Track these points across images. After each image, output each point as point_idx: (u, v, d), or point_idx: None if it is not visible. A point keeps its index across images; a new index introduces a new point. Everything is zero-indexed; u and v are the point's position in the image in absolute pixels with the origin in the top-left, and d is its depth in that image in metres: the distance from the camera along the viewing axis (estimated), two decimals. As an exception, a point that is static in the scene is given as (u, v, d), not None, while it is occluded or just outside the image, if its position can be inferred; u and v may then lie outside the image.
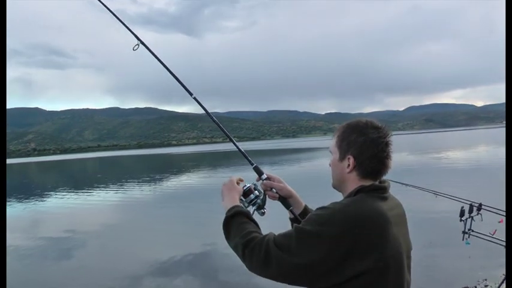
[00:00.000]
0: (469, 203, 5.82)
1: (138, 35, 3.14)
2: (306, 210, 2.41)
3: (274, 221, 2.05)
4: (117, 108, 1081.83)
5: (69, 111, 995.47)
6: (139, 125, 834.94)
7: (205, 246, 12.51)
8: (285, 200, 2.42)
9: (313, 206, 2.28)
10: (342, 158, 2.03)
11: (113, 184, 37.95)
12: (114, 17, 3.36)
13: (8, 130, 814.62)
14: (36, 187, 40.85)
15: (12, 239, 15.32)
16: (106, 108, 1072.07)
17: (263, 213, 2.34)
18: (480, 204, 5.91)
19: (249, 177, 2.49)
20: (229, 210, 2.16)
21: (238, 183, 2.36)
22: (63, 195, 31.03)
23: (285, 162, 52.58)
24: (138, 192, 29.53)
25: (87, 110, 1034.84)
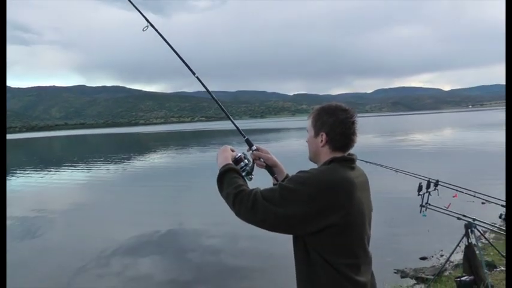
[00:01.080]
0: (427, 179, 6.35)
1: (146, 16, 3.42)
2: (287, 178, 2.72)
3: (259, 185, 2.44)
4: (85, 86, 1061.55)
5: (35, 89, 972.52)
6: (106, 104, 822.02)
7: (173, 225, 12.73)
8: (271, 168, 2.84)
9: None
10: (316, 135, 2.44)
11: (80, 163, 37.67)
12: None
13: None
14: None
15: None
16: (73, 86, 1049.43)
17: (251, 179, 2.68)
18: (437, 181, 6.45)
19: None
20: (223, 167, 2.53)
21: (232, 151, 2.73)
22: (29, 174, 30.72)
23: (253, 142, 53.07)
24: (105, 171, 29.42)
25: (54, 87, 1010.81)
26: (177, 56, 3.32)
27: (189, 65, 3.28)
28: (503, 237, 8.26)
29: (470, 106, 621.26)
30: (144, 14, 3.44)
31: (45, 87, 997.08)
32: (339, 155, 2.39)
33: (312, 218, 2.17)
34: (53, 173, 30.62)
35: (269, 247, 9.64)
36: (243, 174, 2.63)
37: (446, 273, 7.22)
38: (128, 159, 39.18)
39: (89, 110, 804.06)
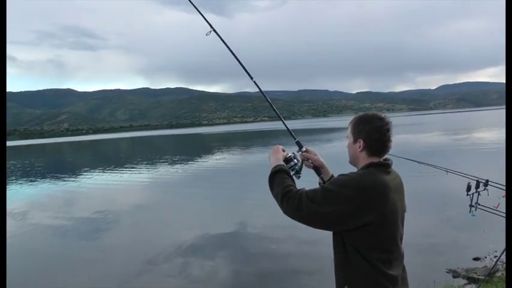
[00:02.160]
0: (476, 179, 6.34)
1: (209, 21, 3.72)
2: (332, 178, 3.07)
3: (306, 183, 2.67)
4: (148, 89, 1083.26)
5: (100, 92, 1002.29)
6: (170, 105, 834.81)
7: (236, 226, 12.88)
8: (318, 169, 3.13)
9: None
10: (355, 141, 2.73)
11: (144, 164, 38.52)
12: (189, 3, 3.99)
13: (41, 111, 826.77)
14: (69, 167, 41.52)
15: (46, 217, 16.09)
16: (137, 89, 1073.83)
17: (299, 177, 2.97)
18: (487, 181, 6.41)
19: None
20: (274, 167, 2.86)
21: (283, 151, 3.05)
22: (96, 175, 31.61)
23: (317, 142, 52.87)
24: (169, 172, 29.83)
25: (119, 90, 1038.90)
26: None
27: (247, 69, 3.63)
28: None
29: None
30: (206, 16, 3.74)
31: (110, 90, 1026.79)
32: (375, 159, 2.67)
33: (349, 217, 2.45)
34: (118, 173, 31.40)
35: (328, 250, 9.77)
36: (292, 172, 2.93)
37: (499, 273, 7.15)
38: (191, 159, 39.85)
39: (153, 112, 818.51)
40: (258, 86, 3.71)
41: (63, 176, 32.18)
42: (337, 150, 36.66)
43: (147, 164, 38.61)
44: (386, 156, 2.73)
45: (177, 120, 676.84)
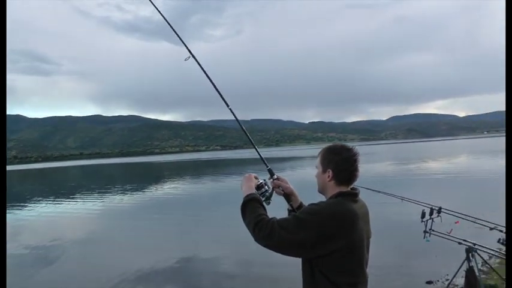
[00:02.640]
0: (430, 206, 6.71)
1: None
2: (301, 205, 3.24)
3: (275, 209, 2.87)
4: (100, 116, 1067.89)
5: (52, 119, 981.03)
6: (122, 133, 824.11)
7: (187, 254, 12.83)
8: (288, 196, 3.24)
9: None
10: (324, 171, 2.90)
11: (95, 193, 37.80)
12: (168, 27, 4.22)
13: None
14: (15, 196, 40.24)
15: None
16: (89, 116, 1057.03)
17: (269, 203, 3.07)
18: (440, 208, 6.79)
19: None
20: (247, 196, 2.93)
21: (256, 178, 3.14)
22: (44, 204, 30.77)
23: (274, 172, 53.12)
24: (120, 201, 29.33)
25: (70, 117, 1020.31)
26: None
27: (222, 96, 3.78)
28: (504, 261, 8.53)
29: (485, 132, 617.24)
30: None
31: (62, 117, 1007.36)
32: (343, 188, 2.84)
33: (320, 244, 2.58)
34: (67, 202, 30.68)
35: (281, 272, 9.94)
36: (263, 199, 3.03)
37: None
38: (142, 189, 39.21)
39: (105, 140, 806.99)
40: (233, 114, 3.82)
41: (9, 205, 30.70)
42: (299, 178, 37.21)
43: (97, 193, 37.80)
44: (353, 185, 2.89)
45: (128, 148, 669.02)
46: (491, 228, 6.95)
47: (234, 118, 3.85)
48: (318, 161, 2.98)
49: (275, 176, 3.29)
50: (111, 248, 14.91)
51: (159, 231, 17.19)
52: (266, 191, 3.12)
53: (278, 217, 2.74)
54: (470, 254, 6.36)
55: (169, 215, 21.38)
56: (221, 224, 17.52)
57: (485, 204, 15.93)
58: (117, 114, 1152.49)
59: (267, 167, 3.41)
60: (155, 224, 19.14)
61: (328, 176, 2.86)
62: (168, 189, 37.22)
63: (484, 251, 6.68)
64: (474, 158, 55.08)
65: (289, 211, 3.25)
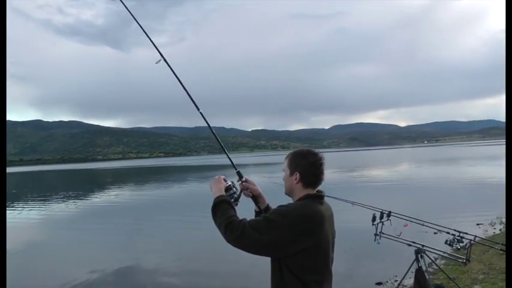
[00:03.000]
0: (380, 210, 7.00)
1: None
2: (267, 207, 3.37)
3: (243, 210, 3.01)
4: (41, 121, 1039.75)
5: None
6: (63, 139, 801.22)
7: (129, 263, 12.64)
8: (256, 198, 3.38)
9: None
10: (291, 174, 3.02)
11: (35, 200, 36.60)
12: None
13: None
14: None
15: None
16: (29, 121, 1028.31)
17: (236, 205, 3.16)
18: (389, 212, 7.09)
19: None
20: (217, 198, 3.02)
21: (225, 181, 3.24)
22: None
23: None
24: (60, 209, 28.43)
25: (10, 122, 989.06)
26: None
27: (194, 101, 3.92)
28: (451, 263, 9.00)
29: (425, 142, 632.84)
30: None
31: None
32: (310, 191, 2.98)
33: (290, 243, 2.71)
34: (7, 210, 29.11)
35: (225, 283, 10.18)
36: (232, 200, 3.13)
37: (398, 297, 7.78)
38: (85, 196, 38.30)
39: (45, 146, 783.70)
40: (204, 117, 3.95)
41: None
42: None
43: (38, 200, 36.56)
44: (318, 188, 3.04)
45: (70, 154, 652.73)
46: (435, 232, 7.33)
47: (203, 120, 4.01)
48: (285, 164, 3.11)
49: (243, 179, 3.41)
50: (48, 259, 14.41)
51: (99, 241, 16.91)
52: (234, 192, 3.23)
53: (248, 218, 2.86)
54: (419, 255, 6.67)
55: (110, 224, 20.91)
56: (163, 233, 17.46)
57: (430, 209, 16.62)
58: (58, 120, 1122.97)
59: (236, 169, 3.51)
60: (95, 233, 18.65)
61: (296, 179, 2.99)
62: (110, 196, 36.56)
63: (433, 252, 7.05)
64: (416, 166, 56.74)
65: (257, 212, 3.40)
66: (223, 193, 3.11)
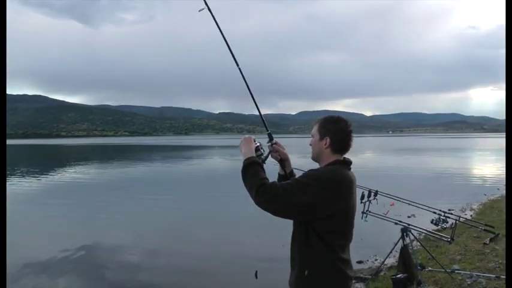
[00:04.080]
0: (368, 189, 7.21)
1: None
2: (292, 171, 3.39)
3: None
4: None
5: None
6: (26, 113, 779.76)
7: (89, 241, 12.19)
8: (282, 161, 3.36)
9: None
10: (321, 138, 3.06)
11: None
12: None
13: None
14: None
15: None
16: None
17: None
18: (376, 191, 7.31)
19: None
20: (248, 159, 2.99)
21: (254, 141, 3.19)
22: None
23: (177, 159, 52.70)
24: (23, 185, 27.23)
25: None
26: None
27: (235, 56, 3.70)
28: (428, 244, 9.34)
29: (390, 132, 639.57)
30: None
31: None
32: (338, 157, 3.03)
33: (322, 207, 2.77)
34: None
35: (184, 263, 10.23)
36: None
37: (382, 273, 8.02)
38: (48, 172, 37.33)
39: (8, 119, 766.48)
40: (241, 73, 3.73)
41: None
42: (208, 167, 37.46)
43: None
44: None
45: (33, 130, 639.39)
46: (419, 214, 7.57)
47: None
48: (314, 129, 3.16)
49: (274, 141, 3.35)
50: (9, 235, 13.87)
51: (60, 217, 16.39)
52: (262, 154, 3.18)
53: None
54: (405, 234, 6.93)
55: (73, 201, 20.22)
56: (126, 211, 17.19)
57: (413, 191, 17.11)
58: (21, 93, 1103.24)
59: (268, 131, 3.43)
60: (58, 209, 18.00)
61: (325, 144, 3.02)
62: (74, 173, 35.64)
63: (418, 231, 7.32)
64: (380, 155, 57.73)
65: (281, 176, 3.41)
66: (254, 154, 3.08)
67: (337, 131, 3.04)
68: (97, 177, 33.15)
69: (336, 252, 2.87)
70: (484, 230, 8.05)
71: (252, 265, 9.29)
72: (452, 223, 7.04)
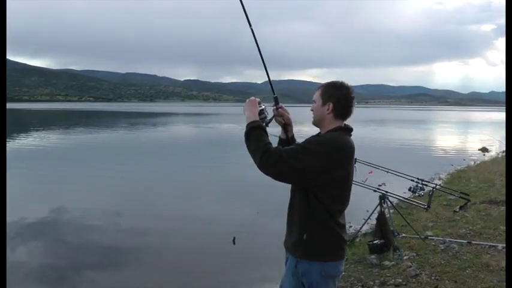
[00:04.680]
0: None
1: None
2: (293, 136, 3.40)
3: None
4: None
5: None
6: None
7: (49, 209, 11.88)
8: (285, 126, 3.35)
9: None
10: (323, 104, 3.07)
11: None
12: None
13: None
14: None
15: None
16: None
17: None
18: (356, 159, 7.43)
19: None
20: (252, 122, 2.99)
21: (259, 103, 3.19)
22: None
23: (142, 126, 52.98)
24: None
25: None
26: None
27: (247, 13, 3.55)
28: (410, 208, 9.60)
29: (356, 103, 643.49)
30: None
31: None
32: (340, 123, 3.07)
33: (325, 172, 2.84)
34: None
35: (159, 230, 10.19)
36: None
37: (357, 239, 8.22)
38: (8, 137, 33.91)
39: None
40: (254, 34, 3.61)
41: None
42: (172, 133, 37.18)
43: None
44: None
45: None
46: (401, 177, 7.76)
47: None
48: (317, 94, 3.14)
49: (279, 105, 3.33)
50: None
51: (20, 185, 15.07)
52: (265, 117, 3.17)
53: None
54: (382, 201, 7.10)
55: (34, 169, 19.34)
56: (90, 179, 16.60)
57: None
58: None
59: (274, 94, 3.38)
60: (17, 177, 16.37)
61: (328, 109, 3.04)
62: (36, 140, 34.31)
63: (395, 198, 7.52)
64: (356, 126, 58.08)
65: (281, 140, 3.42)
66: (258, 117, 3.07)
67: (340, 97, 3.07)
68: (60, 143, 32.05)
69: (334, 217, 2.96)
70: (460, 197, 8.29)
71: (228, 232, 9.38)
72: (429, 191, 7.24)
